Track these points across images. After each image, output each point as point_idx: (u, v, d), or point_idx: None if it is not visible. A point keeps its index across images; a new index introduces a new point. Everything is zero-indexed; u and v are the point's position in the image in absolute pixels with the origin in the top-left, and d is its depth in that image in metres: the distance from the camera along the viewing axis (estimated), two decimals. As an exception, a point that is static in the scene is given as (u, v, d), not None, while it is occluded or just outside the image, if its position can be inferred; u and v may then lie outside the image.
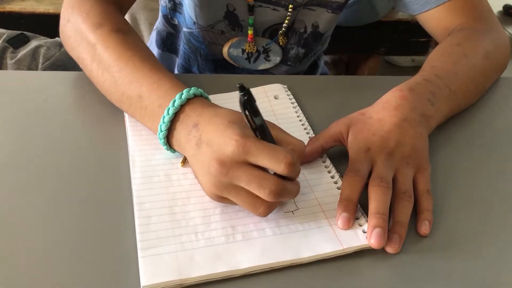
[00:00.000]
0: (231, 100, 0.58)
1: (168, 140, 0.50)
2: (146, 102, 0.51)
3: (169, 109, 0.47)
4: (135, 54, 0.54)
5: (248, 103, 0.42)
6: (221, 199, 0.45)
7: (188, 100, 0.48)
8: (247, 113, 0.42)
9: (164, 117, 0.48)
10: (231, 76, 0.74)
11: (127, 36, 0.56)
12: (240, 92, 0.41)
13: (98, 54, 0.55)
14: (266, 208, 0.43)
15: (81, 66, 0.59)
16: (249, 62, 0.78)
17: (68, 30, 0.59)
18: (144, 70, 0.52)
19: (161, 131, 0.48)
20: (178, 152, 0.50)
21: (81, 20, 0.57)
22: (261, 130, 0.43)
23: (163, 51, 0.86)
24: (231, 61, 0.78)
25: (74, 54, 0.59)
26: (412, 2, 0.70)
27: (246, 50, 0.76)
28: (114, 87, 0.54)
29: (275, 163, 0.41)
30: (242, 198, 0.43)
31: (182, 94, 0.48)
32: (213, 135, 0.44)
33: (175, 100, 0.47)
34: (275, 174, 0.43)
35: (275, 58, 0.78)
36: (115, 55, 0.54)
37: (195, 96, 0.49)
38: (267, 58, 0.78)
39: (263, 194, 0.41)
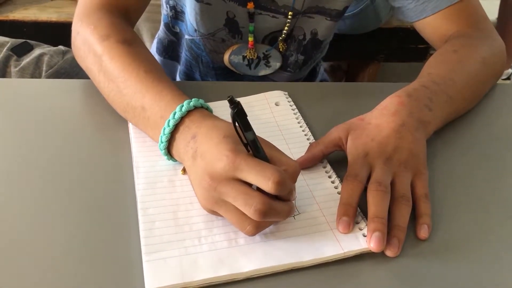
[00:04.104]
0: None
1: (169, 150, 0.50)
2: (149, 113, 0.51)
3: (169, 120, 0.48)
4: (140, 65, 0.54)
5: (238, 117, 0.41)
6: (213, 212, 0.45)
7: (189, 112, 0.48)
8: (237, 127, 0.41)
9: (164, 128, 0.48)
10: (233, 83, 0.75)
11: (133, 47, 0.57)
12: (230, 105, 0.40)
13: (105, 65, 0.56)
14: (254, 228, 0.43)
15: (90, 76, 0.60)
16: (250, 68, 0.79)
17: (78, 42, 0.60)
18: (148, 81, 0.53)
19: (162, 142, 0.49)
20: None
21: (89, 32, 0.58)
22: (253, 145, 0.42)
23: (165, 58, 0.87)
24: (232, 68, 0.79)
25: (83, 65, 0.61)
26: (410, 10, 0.71)
27: (247, 57, 0.77)
28: (119, 97, 0.55)
29: (262, 181, 0.41)
30: (231, 214, 0.43)
31: (183, 106, 0.48)
32: (207, 149, 0.44)
33: (175, 112, 0.48)
34: (265, 193, 0.41)
35: (275, 64, 0.80)
36: (120, 66, 0.54)
37: (196, 107, 0.49)
38: (267, 64, 0.79)
39: (249, 211, 0.41)
